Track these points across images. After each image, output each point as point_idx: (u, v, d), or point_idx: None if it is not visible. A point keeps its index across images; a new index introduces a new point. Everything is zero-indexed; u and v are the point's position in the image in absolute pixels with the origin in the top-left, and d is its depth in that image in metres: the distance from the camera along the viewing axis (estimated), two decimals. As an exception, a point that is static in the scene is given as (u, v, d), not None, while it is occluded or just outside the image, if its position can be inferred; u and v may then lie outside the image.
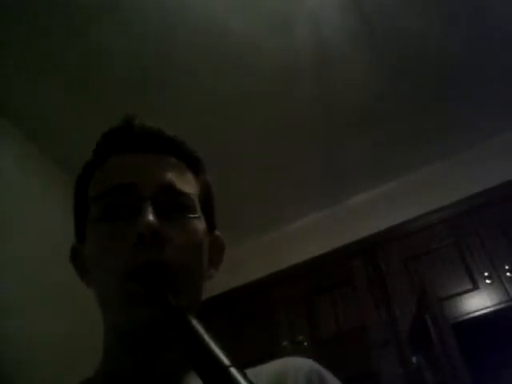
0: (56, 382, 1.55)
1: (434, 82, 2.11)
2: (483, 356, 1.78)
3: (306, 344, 1.96)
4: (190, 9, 1.74)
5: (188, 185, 0.61)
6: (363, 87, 2.08)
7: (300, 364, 0.62)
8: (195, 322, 0.43)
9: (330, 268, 2.12)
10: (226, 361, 0.38)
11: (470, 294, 1.80)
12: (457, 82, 2.11)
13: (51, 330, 1.65)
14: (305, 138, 2.26)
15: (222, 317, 2.07)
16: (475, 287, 1.80)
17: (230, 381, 0.36)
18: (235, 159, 2.27)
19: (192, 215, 0.59)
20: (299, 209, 2.56)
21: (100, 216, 0.57)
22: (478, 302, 1.77)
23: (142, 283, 0.51)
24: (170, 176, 0.59)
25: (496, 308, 1.73)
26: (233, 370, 0.37)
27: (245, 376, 0.37)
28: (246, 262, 2.39)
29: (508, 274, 1.75)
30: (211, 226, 0.65)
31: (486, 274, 1.79)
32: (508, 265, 1.76)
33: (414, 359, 1.75)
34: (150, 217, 0.53)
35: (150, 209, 0.54)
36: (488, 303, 1.75)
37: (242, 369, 0.37)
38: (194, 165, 0.65)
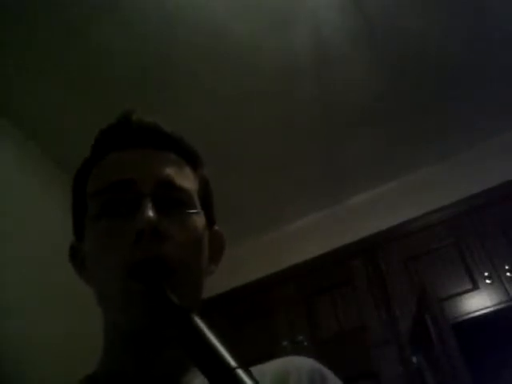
0: (56, 382, 1.55)
1: (434, 82, 2.11)
2: (483, 356, 1.78)
3: (306, 344, 1.96)
4: (189, 9, 1.74)
5: (187, 180, 0.61)
6: (363, 87, 2.08)
7: (302, 363, 0.62)
8: (199, 322, 0.42)
9: (330, 268, 2.12)
10: (232, 362, 0.37)
11: (469, 293, 1.80)
12: (457, 82, 2.11)
13: (51, 330, 1.65)
14: (305, 138, 2.26)
15: (222, 317, 2.07)
16: (475, 287, 1.80)
17: (237, 382, 0.36)
18: (235, 159, 2.27)
19: (191, 211, 0.58)
20: (299, 209, 2.56)
21: (98, 213, 0.56)
22: (478, 302, 1.77)
23: (143, 281, 0.51)
24: (169, 171, 0.59)
25: (496, 308, 1.73)
26: (239, 372, 0.36)
27: (252, 378, 0.36)
28: (246, 262, 2.39)
29: (508, 273, 1.75)
30: (211, 221, 0.64)
31: (486, 274, 1.79)
32: (508, 265, 1.76)
33: (414, 359, 1.75)
34: (150, 213, 0.52)
35: (149, 205, 0.53)
36: (488, 303, 1.75)
37: (248, 370, 0.37)
38: (192, 160, 0.64)
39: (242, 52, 1.89)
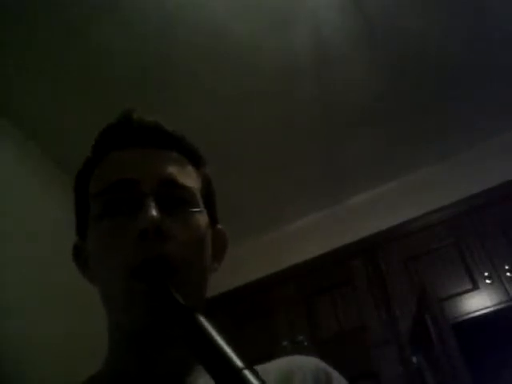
0: (56, 381, 1.55)
1: (434, 81, 2.11)
2: (483, 356, 1.78)
3: (306, 344, 1.96)
4: (190, 9, 1.74)
5: (189, 179, 0.61)
6: (363, 87, 2.08)
7: (307, 362, 0.61)
8: (205, 322, 0.42)
9: (330, 268, 2.12)
10: (239, 363, 0.37)
11: (469, 293, 1.80)
12: (457, 81, 2.11)
13: (51, 330, 1.65)
14: (305, 138, 2.26)
15: (222, 317, 2.07)
16: (475, 287, 1.80)
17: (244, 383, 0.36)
18: (235, 159, 2.27)
19: (194, 209, 0.58)
20: (299, 209, 2.56)
21: (101, 213, 0.56)
22: (478, 302, 1.77)
23: (146, 280, 0.51)
24: (171, 170, 0.59)
25: (496, 308, 1.73)
26: (246, 373, 0.36)
27: (259, 378, 0.36)
28: (246, 262, 2.39)
29: (508, 273, 1.75)
30: (213, 219, 0.64)
31: (486, 274, 1.79)
32: (508, 265, 1.76)
33: (414, 359, 1.75)
34: (153, 212, 0.52)
35: (152, 204, 0.53)
36: (488, 303, 1.75)
37: (254, 371, 0.37)
38: (194, 158, 0.64)
39: (242, 52, 1.89)
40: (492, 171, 2.11)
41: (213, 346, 0.39)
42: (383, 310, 1.93)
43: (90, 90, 1.92)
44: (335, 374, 0.61)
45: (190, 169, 0.62)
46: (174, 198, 0.57)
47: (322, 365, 0.61)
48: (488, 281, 1.77)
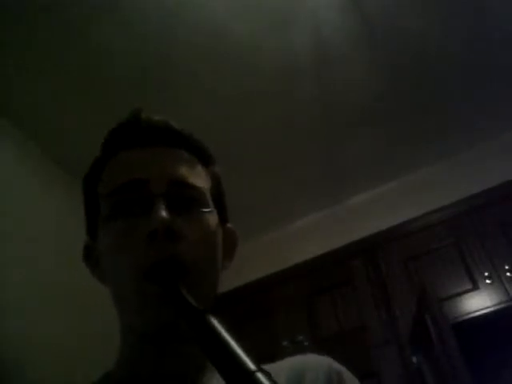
0: (56, 381, 1.55)
1: (434, 81, 2.11)
2: (483, 356, 1.78)
3: (306, 344, 1.96)
4: (189, 9, 1.74)
5: (199, 178, 0.60)
6: (363, 87, 2.08)
7: (319, 361, 0.61)
8: (217, 324, 0.42)
9: (330, 268, 2.12)
10: (251, 365, 0.37)
11: (469, 294, 1.80)
12: (457, 82, 2.11)
13: (51, 330, 1.65)
14: (305, 138, 2.26)
15: (222, 317, 2.07)
16: (475, 287, 1.80)
17: None
18: (235, 159, 2.27)
19: (205, 209, 0.58)
20: (299, 209, 2.56)
21: (111, 213, 0.56)
22: (478, 302, 1.77)
23: (158, 282, 0.51)
24: (181, 170, 0.58)
25: (496, 308, 1.73)
26: (259, 375, 0.36)
27: (272, 381, 0.36)
28: (245, 262, 2.38)
29: (508, 273, 1.75)
30: (223, 218, 0.64)
31: (486, 274, 1.79)
32: (508, 265, 1.76)
33: (414, 359, 1.75)
34: (163, 213, 0.52)
35: (162, 205, 0.53)
36: (488, 303, 1.75)
37: (267, 373, 0.36)
38: (203, 157, 0.64)
39: (242, 52, 1.89)
40: (492, 171, 2.11)
41: (225, 349, 0.39)
42: (383, 310, 1.93)
43: (89, 90, 1.92)
44: (348, 375, 0.60)
45: (199, 168, 0.62)
46: (184, 198, 0.56)
47: (335, 365, 0.61)
48: (488, 281, 1.77)
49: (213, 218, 0.59)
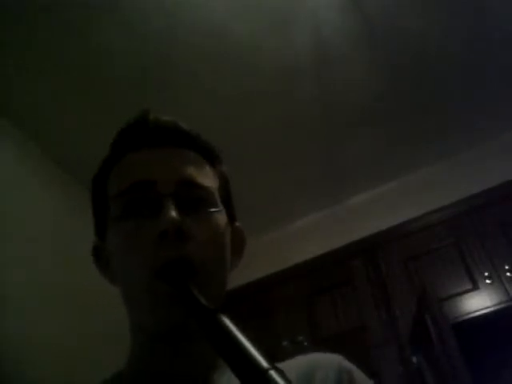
0: (56, 382, 1.55)
1: (434, 81, 2.11)
2: (483, 356, 1.78)
3: (306, 344, 1.96)
4: (190, 9, 1.74)
5: (207, 178, 0.61)
6: (363, 87, 2.08)
7: (329, 360, 0.61)
8: (229, 322, 0.42)
9: (330, 268, 2.12)
10: (264, 363, 0.37)
11: (469, 294, 1.80)
12: (457, 82, 2.11)
13: (51, 330, 1.65)
14: (305, 138, 2.26)
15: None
16: (475, 287, 1.80)
17: None
18: (235, 159, 2.26)
19: (213, 209, 0.58)
20: (299, 209, 2.56)
21: (121, 214, 0.56)
22: (478, 302, 1.77)
23: (170, 282, 0.51)
24: (189, 170, 0.59)
25: (496, 308, 1.73)
26: (272, 373, 0.36)
27: (285, 379, 0.36)
28: (245, 262, 2.38)
29: (508, 273, 1.75)
30: (231, 217, 0.65)
31: (486, 274, 1.79)
32: (508, 265, 1.76)
33: (414, 359, 1.75)
34: (173, 213, 0.52)
35: (171, 205, 0.53)
36: (488, 303, 1.75)
37: (280, 371, 0.36)
38: (211, 157, 0.64)
39: (242, 52, 1.89)
40: (492, 171, 2.11)
41: (238, 347, 0.39)
42: (383, 310, 1.93)
43: (89, 90, 1.92)
44: (358, 373, 0.60)
45: (207, 168, 0.63)
46: (193, 198, 0.57)
47: (345, 363, 0.61)
48: (488, 281, 1.77)
49: (221, 218, 0.59)
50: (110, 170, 0.62)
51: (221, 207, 0.60)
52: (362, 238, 2.14)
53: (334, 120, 2.21)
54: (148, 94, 1.93)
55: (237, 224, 0.67)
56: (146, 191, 0.56)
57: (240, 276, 2.23)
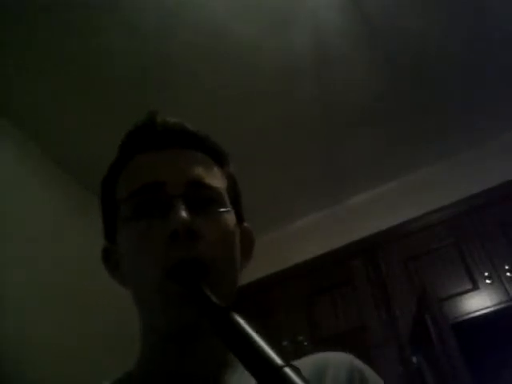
0: (56, 381, 1.55)
1: (434, 82, 2.11)
2: (483, 356, 1.78)
3: (306, 344, 1.96)
4: (190, 9, 1.74)
5: (216, 179, 0.61)
6: (363, 87, 2.08)
7: (341, 359, 0.61)
8: (241, 321, 0.42)
9: (330, 268, 2.12)
10: (278, 361, 0.37)
11: (469, 294, 1.80)
12: (457, 82, 2.11)
13: (51, 330, 1.65)
14: (305, 138, 2.26)
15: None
16: (475, 287, 1.80)
17: (285, 382, 0.35)
18: (235, 159, 2.27)
19: (222, 209, 0.59)
20: (299, 209, 2.56)
21: (131, 215, 0.57)
22: (478, 302, 1.77)
23: (181, 282, 0.51)
24: (198, 171, 0.59)
25: (496, 308, 1.73)
26: (287, 370, 0.36)
27: (299, 375, 0.36)
28: (245, 262, 2.39)
29: (508, 273, 1.75)
30: (240, 218, 0.65)
31: (486, 274, 1.79)
32: (508, 265, 1.76)
33: (414, 359, 1.75)
34: (183, 213, 0.53)
35: (181, 205, 0.54)
36: (488, 303, 1.75)
37: (295, 368, 0.36)
38: (219, 158, 0.65)
39: (242, 52, 1.89)
40: (492, 171, 2.11)
41: (252, 345, 0.39)
42: (383, 310, 1.93)
43: (89, 90, 1.92)
44: (369, 372, 0.60)
45: (215, 169, 0.63)
46: (202, 199, 0.57)
47: (357, 362, 0.61)
48: (488, 281, 1.77)
49: (230, 218, 0.60)
50: (118, 173, 0.62)
51: (230, 207, 0.61)
52: (361, 238, 2.14)
53: (334, 120, 2.21)
54: (148, 94, 1.93)
55: (245, 224, 0.68)
56: (156, 193, 0.57)
57: (240, 276, 2.23)
